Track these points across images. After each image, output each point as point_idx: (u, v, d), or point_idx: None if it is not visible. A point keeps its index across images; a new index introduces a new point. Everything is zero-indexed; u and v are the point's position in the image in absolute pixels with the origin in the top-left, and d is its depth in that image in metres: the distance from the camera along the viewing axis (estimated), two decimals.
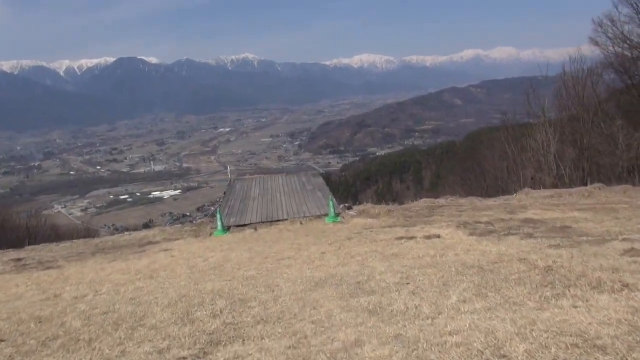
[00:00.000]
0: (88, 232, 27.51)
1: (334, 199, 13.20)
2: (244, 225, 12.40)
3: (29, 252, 11.19)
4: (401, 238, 7.82)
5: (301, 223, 12.04)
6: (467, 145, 60.93)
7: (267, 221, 12.57)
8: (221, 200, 16.86)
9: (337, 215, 12.22)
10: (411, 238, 7.72)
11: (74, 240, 12.76)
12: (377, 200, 20.00)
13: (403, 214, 11.63)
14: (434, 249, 6.63)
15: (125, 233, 13.27)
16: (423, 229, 8.69)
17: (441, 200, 13.64)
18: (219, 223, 11.87)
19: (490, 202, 13.00)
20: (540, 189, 16.58)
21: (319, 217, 12.49)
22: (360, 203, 15.20)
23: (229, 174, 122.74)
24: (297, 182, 18.58)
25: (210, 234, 11.76)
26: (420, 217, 10.87)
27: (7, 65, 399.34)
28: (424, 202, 13.49)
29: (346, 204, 14.19)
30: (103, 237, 12.99)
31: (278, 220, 12.53)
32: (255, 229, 11.93)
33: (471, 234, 7.65)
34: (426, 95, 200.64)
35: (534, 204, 11.80)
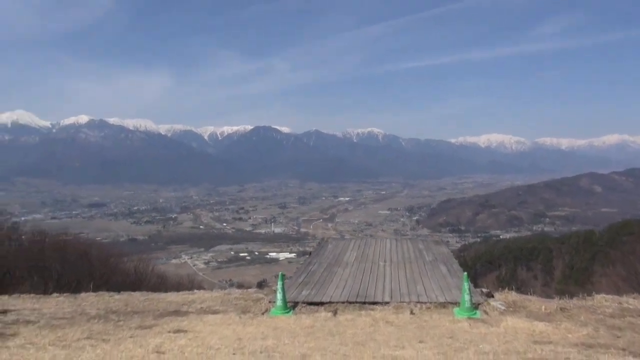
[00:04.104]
0: (192, 284, 27.68)
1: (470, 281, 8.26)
2: (321, 303, 8.40)
3: (44, 303, 9.40)
4: None
5: (412, 313, 7.72)
6: (610, 237, 53.69)
7: (358, 302, 8.41)
8: (301, 264, 12.86)
9: (475, 307, 7.75)
10: None
11: (131, 293, 10.32)
12: (498, 287, 15.08)
13: (596, 320, 7.21)
14: None
15: (183, 292, 10.52)
16: None
17: (633, 302, 8.53)
18: (279, 296, 8.08)
19: None
20: None
21: (442, 305, 8.07)
22: (493, 288, 10.32)
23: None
24: (410, 250, 13.99)
25: (265, 312, 8.17)
26: None
27: (163, 129, 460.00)
28: (605, 300, 8.64)
29: (484, 289, 9.56)
30: (150, 295, 10.09)
31: (375, 303, 8.30)
32: (335, 312, 7.88)
33: None
34: (560, 179, 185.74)
35: None
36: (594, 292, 9.19)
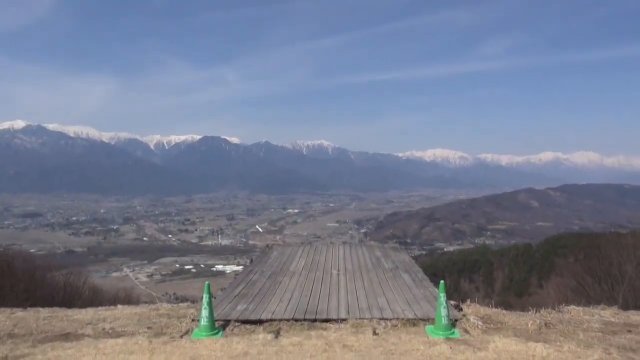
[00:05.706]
0: (129, 298, 26.58)
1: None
2: (259, 322, 6.68)
3: None
4: None
5: (375, 333, 6.18)
6: (545, 250, 56.86)
7: (307, 319, 6.72)
8: (240, 273, 11.12)
9: (453, 324, 6.29)
10: None
11: (39, 309, 8.21)
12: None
13: (598, 339, 5.98)
14: None
15: (100, 308, 8.53)
16: None
17: (605, 314, 7.53)
18: (204, 313, 6.22)
19: None
20: None
21: (411, 322, 6.56)
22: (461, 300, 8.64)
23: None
24: (367, 257, 12.32)
25: (185, 334, 6.26)
26: None
27: (106, 136, 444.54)
28: (582, 313, 7.48)
29: (452, 302, 7.78)
30: (57, 312, 8.01)
31: (328, 321, 6.66)
32: (278, 333, 6.20)
33: None
34: (501, 194, 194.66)
35: None
36: (563, 304, 8.31)
